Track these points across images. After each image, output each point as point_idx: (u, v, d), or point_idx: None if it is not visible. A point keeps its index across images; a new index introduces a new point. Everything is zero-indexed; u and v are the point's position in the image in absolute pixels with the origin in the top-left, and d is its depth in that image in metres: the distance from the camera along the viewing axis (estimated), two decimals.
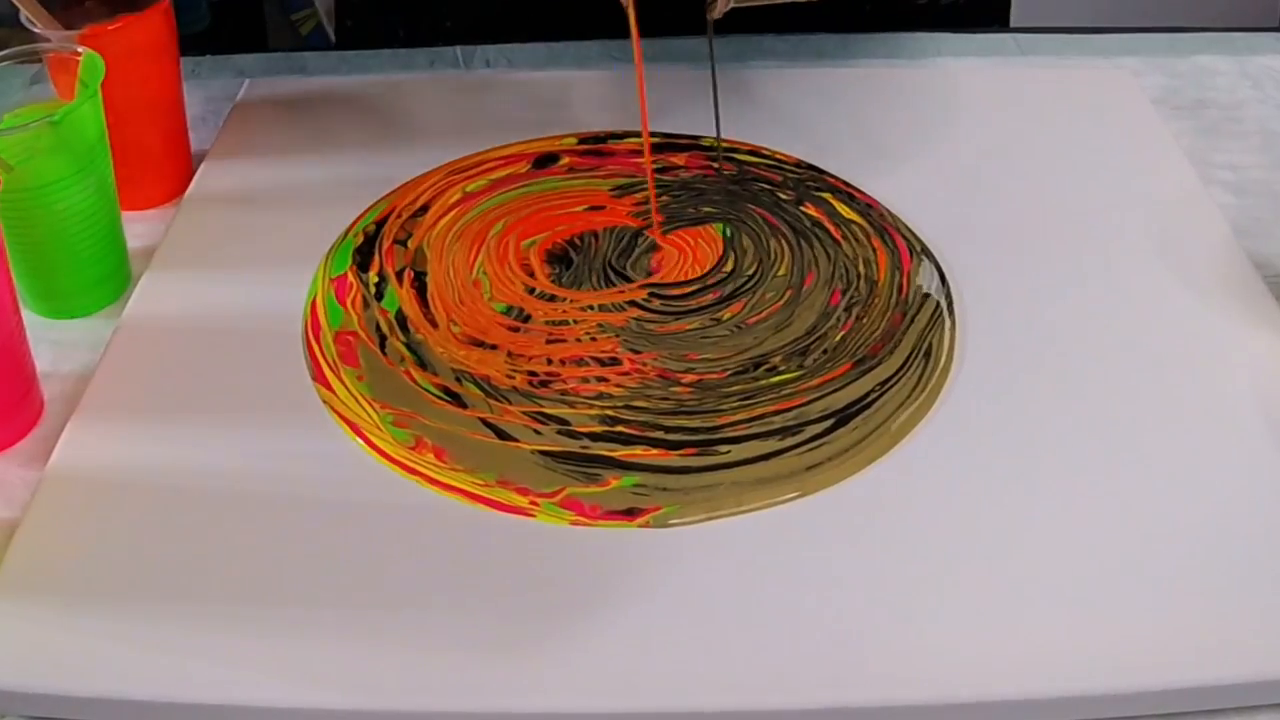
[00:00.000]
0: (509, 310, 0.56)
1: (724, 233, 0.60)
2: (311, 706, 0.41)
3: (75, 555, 0.45)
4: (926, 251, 0.59)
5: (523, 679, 0.42)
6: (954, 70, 0.73)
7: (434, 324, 0.55)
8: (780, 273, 0.58)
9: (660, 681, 0.41)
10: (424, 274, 0.58)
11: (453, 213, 0.62)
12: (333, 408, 0.51)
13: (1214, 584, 0.44)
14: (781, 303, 0.56)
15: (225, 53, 0.75)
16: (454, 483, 0.48)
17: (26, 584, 0.44)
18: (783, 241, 0.60)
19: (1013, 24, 0.83)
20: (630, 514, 0.47)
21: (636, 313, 0.56)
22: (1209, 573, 0.45)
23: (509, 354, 0.54)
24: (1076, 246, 0.59)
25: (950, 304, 0.56)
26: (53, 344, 0.55)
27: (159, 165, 0.64)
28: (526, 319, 0.56)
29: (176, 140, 0.65)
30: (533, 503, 0.47)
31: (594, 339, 0.55)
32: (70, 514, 0.47)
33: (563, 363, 0.53)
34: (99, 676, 0.41)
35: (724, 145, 0.66)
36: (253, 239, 0.61)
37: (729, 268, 0.58)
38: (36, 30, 0.57)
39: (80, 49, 0.55)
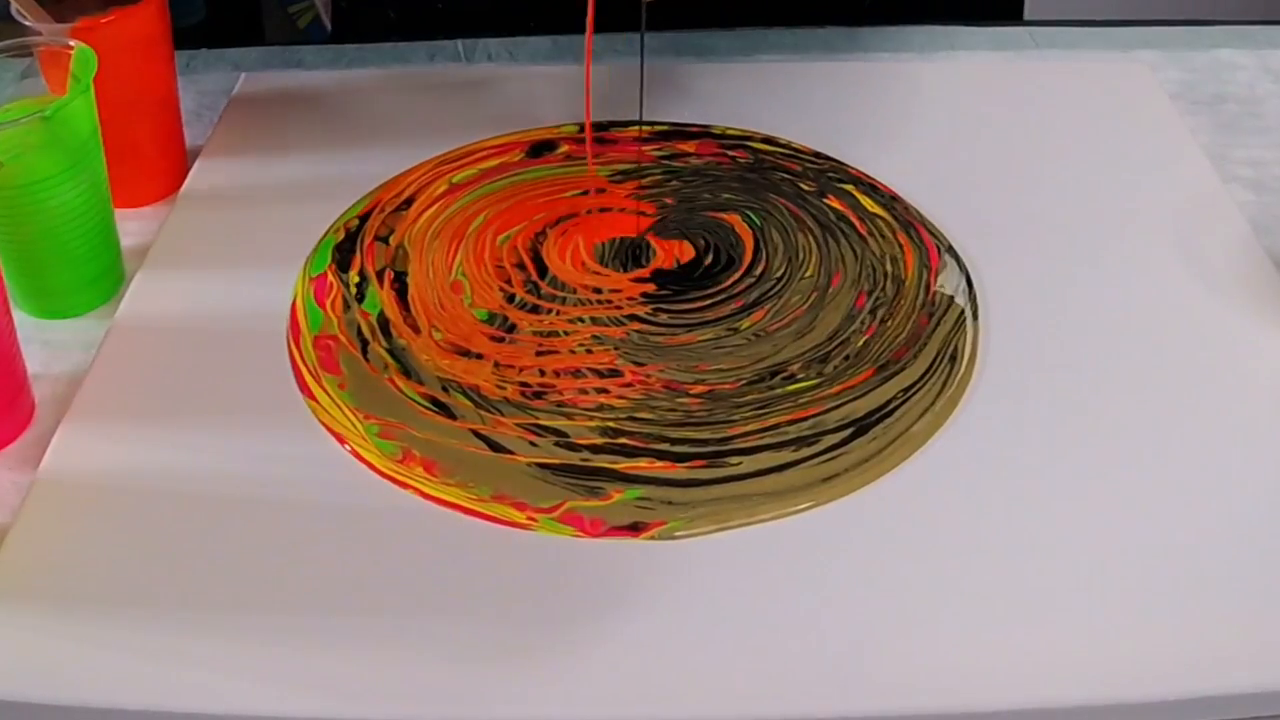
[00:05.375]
0: (491, 318, 0.55)
1: (752, 223, 0.60)
2: (308, 716, 0.41)
3: (67, 560, 0.45)
4: (952, 250, 0.58)
5: (525, 687, 0.41)
6: (966, 64, 0.72)
7: (416, 329, 0.54)
8: (808, 273, 0.57)
9: (666, 690, 0.41)
10: (404, 274, 0.57)
11: (436, 206, 0.61)
12: (318, 417, 0.50)
13: (1236, 591, 0.44)
14: (805, 307, 0.55)
15: (220, 46, 0.75)
16: (447, 497, 0.47)
17: (17, 590, 0.44)
18: (809, 237, 0.59)
19: (1027, 16, 0.82)
20: (634, 529, 0.46)
21: (637, 326, 0.55)
22: (1231, 579, 0.44)
23: (496, 364, 0.53)
24: (1093, 244, 0.59)
25: (975, 305, 0.55)
26: (44, 345, 0.54)
27: (153, 161, 0.63)
28: (512, 329, 0.54)
29: (171, 136, 0.64)
30: (531, 518, 0.46)
31: (590, 351, 0.53)
32: (62, 518, 0.46)
33: (557, 374, 0.52)
34: (90, 684, 0.41)
35: (732, 134, 0.65)
36: (249, 237, 0.60)
37: (759, 270, 0.57)
38: (28, 23, 0.57)
39: (72, 43, 0.54)
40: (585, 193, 0.62)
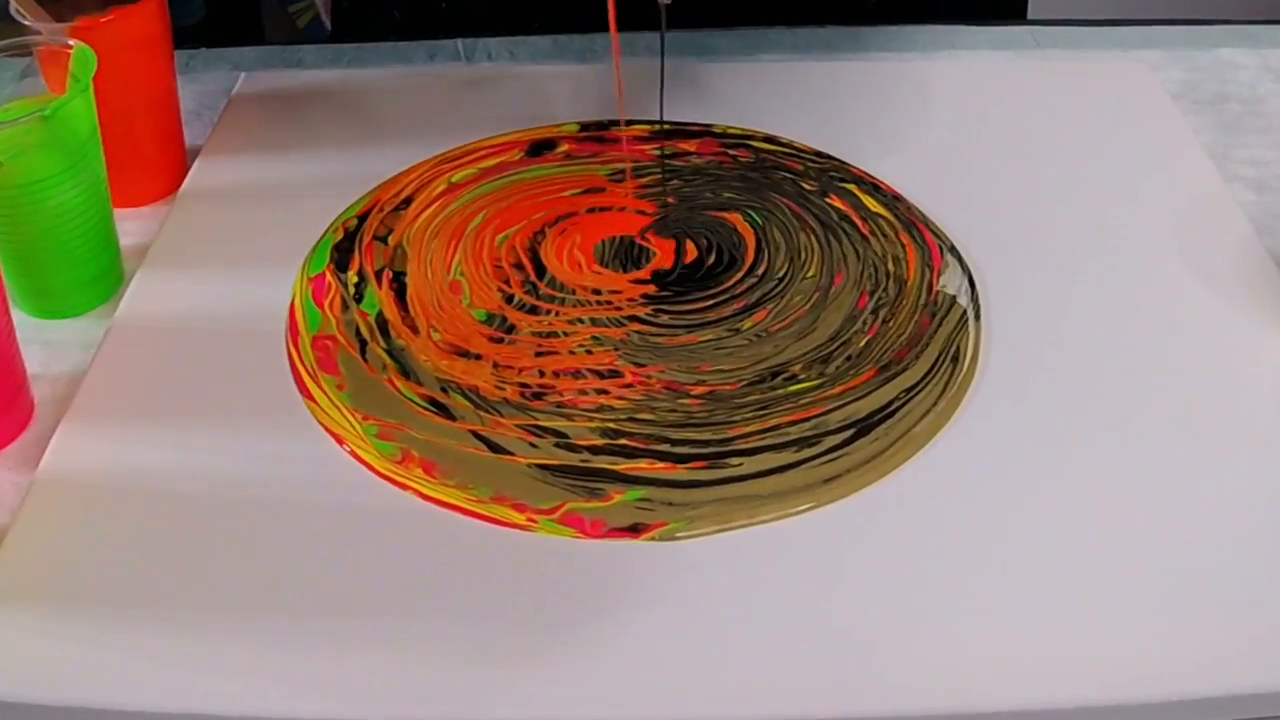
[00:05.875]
0: (489, 319, 0.55)
1: (754, 223, 0.59)
2: (308, 716, 0.40)
3: (66, 561, 0.45)
4: (954, 250, 0.58)
5: (525, 688, 0.41)
6: (968, 63, 0.72)
7: (414, 330, 0.54)
8: (810, 274, 0.57)
9: (667, 691, 0.41)
10: (403, 274, 0.57)
11: (435, 205, 0.61)
12: (316, 417, 0.50)
13: (1239, 592, 0.44)
14: (807, 307, 0.55)
15: (220, 46, 0.75)
16: (446, 498, 0.47)
17: (16, 590, 0.44)
18: (811, 236, 0.58)
19: (1029, 16, 0.82)
20: (635, 530, 0.46)
21: (637, 327, 0.54)
22: (1234, 580, 0.44)
23: (495, 364, 0.52)
24: (1095, 244, 0.59)
25: (977, 305, 0.55)
26: (43, 345, 0.54)
27: (152, 161, 0.63)
28: (511, 329, 0.54)
29: (170, 135, 0.64)
30: (531, 519, 0.46)
31: (590, 352, 0.53)
32: (61, 519, 0.46)
33: (556, 375, 0.52)
34: (89, 685, 0.41)
35: (734, 133, 0.65)
36: (248, 237, 0.60)
37: (761, 270, 0.57)
38: (27, 22, 0.57)
39: (71, 42, 0.54)
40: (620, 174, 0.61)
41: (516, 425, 0.50)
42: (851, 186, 0.62)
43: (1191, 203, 0.61)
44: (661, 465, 0.48)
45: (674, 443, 0.49)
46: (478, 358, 0.53)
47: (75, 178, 0.53)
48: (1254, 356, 0.53)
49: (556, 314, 0.55)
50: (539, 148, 0.65)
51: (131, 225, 0.60)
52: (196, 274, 0.57)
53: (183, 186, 0.63)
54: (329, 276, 0.57)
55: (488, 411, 0.50)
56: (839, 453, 0.48)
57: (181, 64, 0.65)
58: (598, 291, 0.56)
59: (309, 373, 0.52)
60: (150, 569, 0.44)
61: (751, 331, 0.54)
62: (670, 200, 0.61)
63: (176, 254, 0.59)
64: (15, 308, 0.53)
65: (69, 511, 0.46)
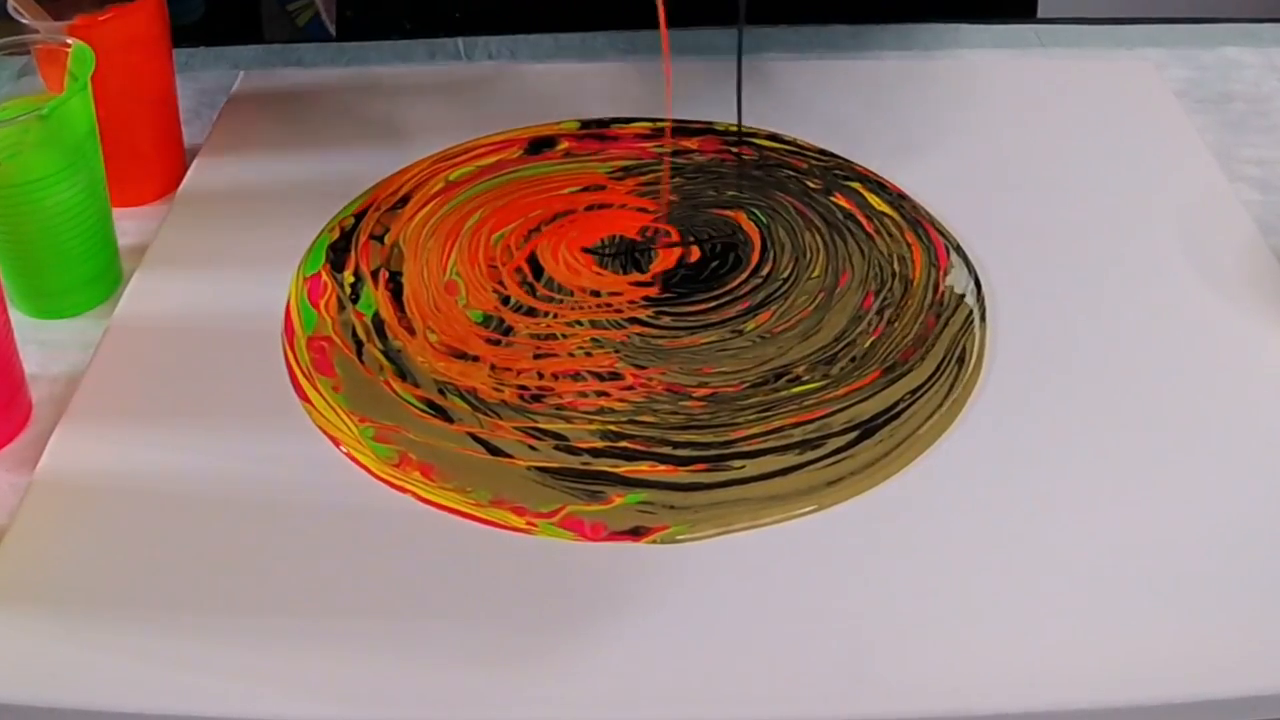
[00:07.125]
0: (486, 320, 0.54)
1: (759, 221, 0.59)
2: (306, 718, 0.40)
3: (64, 563, 0.45)
4: (960, 249, 0.57)
5: (524, 692, 0.41)
6: (972, 62, 0.72)
7: (411, 331, 0.54)
8: (815, 274, 0.56)
9: (668, 696, 0.41)
10: (399, 274, 0.56)
11: (432, 204, 0.60)
12: (313, 419, 0.50)
13: (1243, 595, 0.43)
14: (812, 308, 0.55)
15: (219, 44, 0.75)
16: (445, 502, 0.46)
17: (14, 592, 0.44)
18: (817, 236, 0.58)
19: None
20: (636, 534, 0.45)
21: (638, 329, 0.54)
22: (1238, 583, 0.44)
23: (493, 366, 0.52)
24: (1100, 243, 0.58)
25: (983, 306, 0.54)
26: (41, 345, 0.54)
27: (151, 160, 0.63)
28: (508, 331, 0.54)
29: (169, 135, 0.64)
30: (530, 523, 0.46)
31: (589, 354, 0.53)
32: (59, 520, 0.46)
33: (555, 377, 0.51)
34: (87, 687, 0.41)
35: (736, 130, 0.65)
36: (247, 237, 0.59)
37: (766, 270, 0.57)
38: (24, 21, 0.56)
39: (70, 40, 0.54)
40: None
41: (515, 428, 0.49)
42: (857, 185, 0.62)
43: (1196, 202, 0.61)
44: (663, 468, 0.48)
45: (676, 445, 0.48)
46: (475, 359, 0.52)
47: (73, 177, 0.53)
48: (1259, 356, 0.52)
49: (555, 315, 0.54)
50: (538, 145, 0.64)
51: (130, 225, 0.60)
52: (195, 274, 0.57)
53: (181, 186, 0.63)
54: (325, 276, 0.56)
55: (486, 414, 0.50)
56: (843, 455, 0.48)
57: (180, 63, 0.65)
58: (596, 293, 0.56)
59: (304, 374, 0.52)
60: (148, 570, 0.44)
61: (755, 333, 0.54)
62: (673, 198, 0.61)
63: (175, 254, 0.58)
64: (13, 308, 0.53)
65: (67, 512, 0.46)
